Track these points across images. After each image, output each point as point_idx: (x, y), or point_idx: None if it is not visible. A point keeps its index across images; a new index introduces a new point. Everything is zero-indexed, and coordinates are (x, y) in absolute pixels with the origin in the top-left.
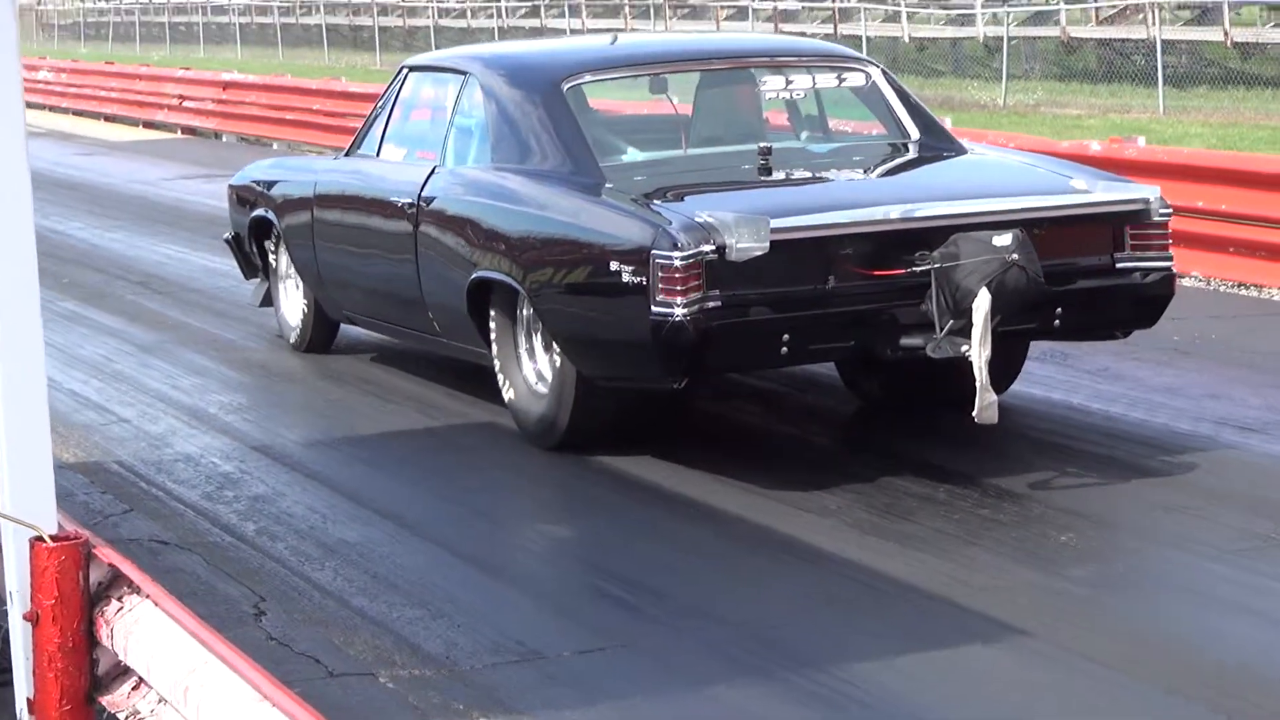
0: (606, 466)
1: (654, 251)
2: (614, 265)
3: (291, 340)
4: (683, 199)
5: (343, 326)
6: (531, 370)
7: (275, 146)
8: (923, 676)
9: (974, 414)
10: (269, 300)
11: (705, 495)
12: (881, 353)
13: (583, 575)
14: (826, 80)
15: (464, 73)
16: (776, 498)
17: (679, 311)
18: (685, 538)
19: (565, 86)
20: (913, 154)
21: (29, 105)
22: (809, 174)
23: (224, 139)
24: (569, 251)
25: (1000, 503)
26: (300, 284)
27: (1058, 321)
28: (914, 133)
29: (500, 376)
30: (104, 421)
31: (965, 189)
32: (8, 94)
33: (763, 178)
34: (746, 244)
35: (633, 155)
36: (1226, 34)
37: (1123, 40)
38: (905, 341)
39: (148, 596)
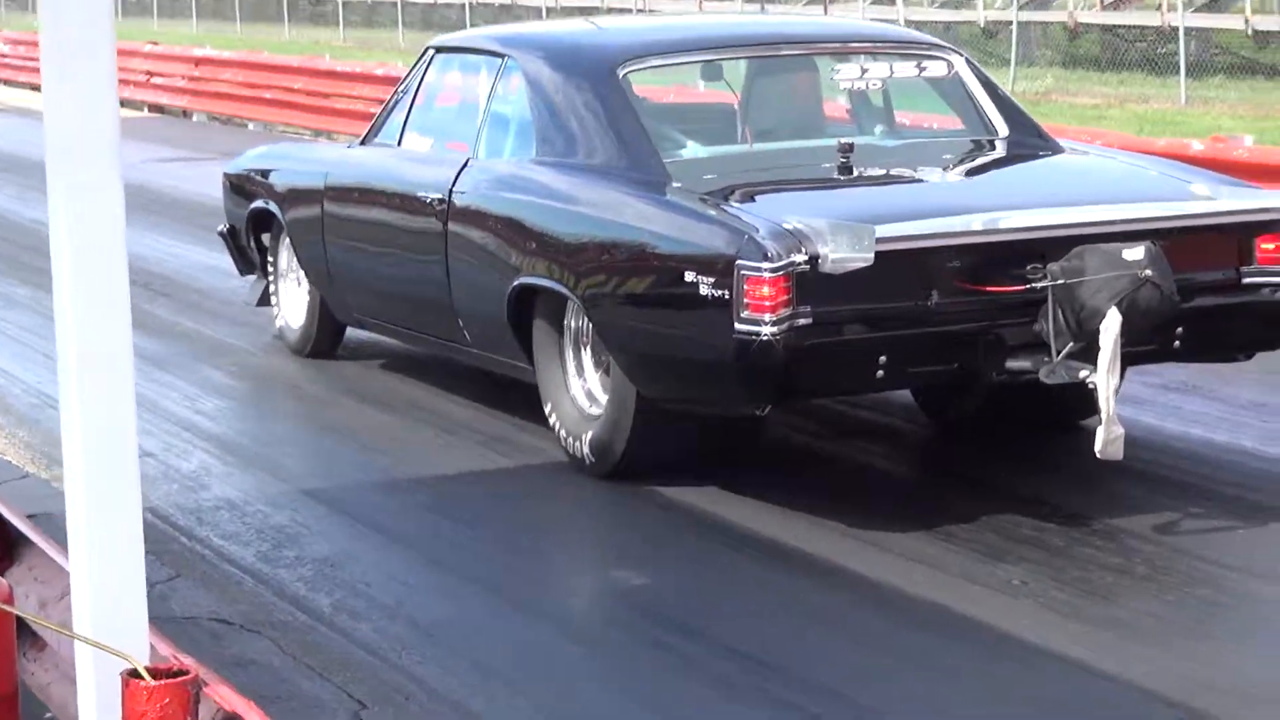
0: (673, 502)
1: (740, 262)
2: (689, 275)
3: (292, 342)
4: (762, 202)
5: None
6: (580, 389)
7: (251, 127)
8: None
9: (1097, 449)
10: (267, 299)
11: (795, 538)
12: (986, 376)
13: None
14: (905, 69)
15: (502, 55)
16: (871, 540)
17: (767, 330)
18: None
19: (622, 73)
20: (1003, 152)
21: None
22: (895, 174)
23: (194, 118)
24: (633, 258)
25: (1137, 548)
26: (304, 282)
27: (1178, 343)
28: (1001, 128)
29: (543, 395)
30: None
31: (1081, 195)
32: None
33: (843, 177)
34: (847, 255)
35: (694, 150)
36: (1248, 21)
37: (1129, 27)
38: (1013, 364)
39: None
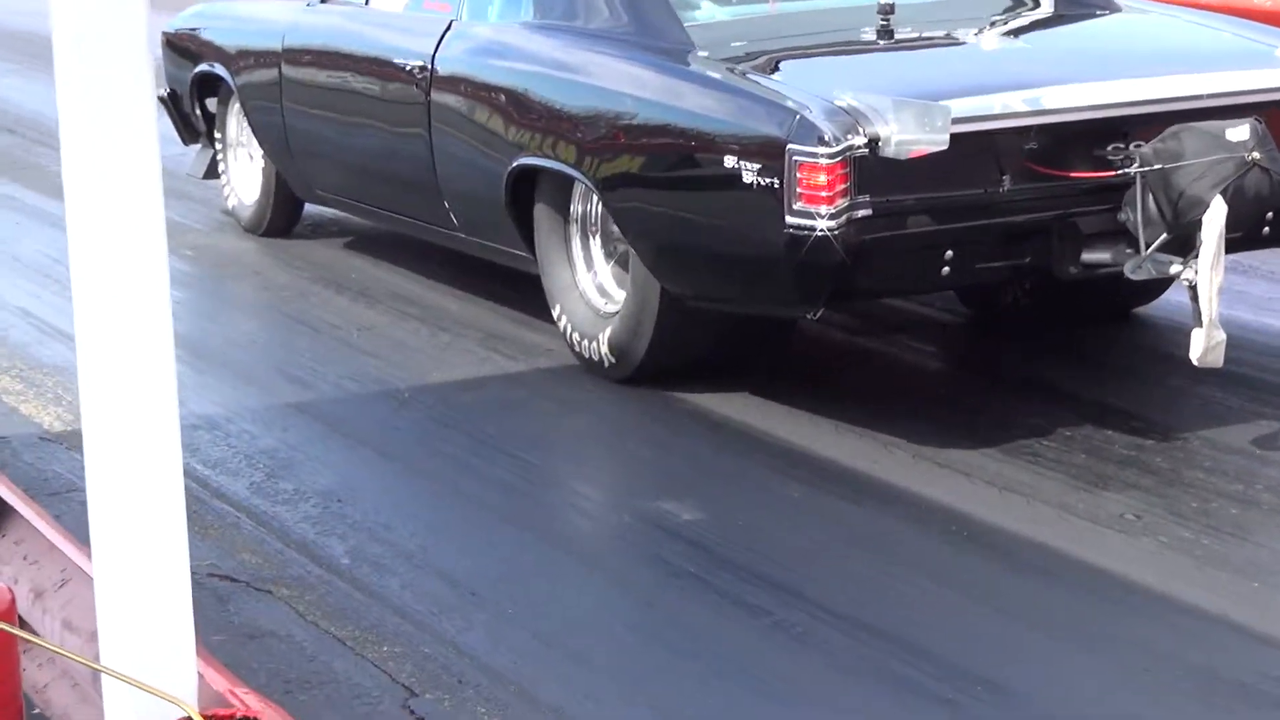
0: (703, 411)
1: (791, 145)
2: (730, 161)
3: (245, 220)
4: (806, 74)
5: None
6: (591, 283)
7: None
8: None
9: (1195, 355)
10: (215, 171)
11: (845, 455)
12: (1061, 272)
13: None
14: None
15: None
16: (938, 460)
17: (823, 223)
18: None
19: None
20: (1053, 10)
21: None
22: (944, 39)
23: None
24: (660, 138)
25: (1255, 471)
26: (258, 155)
27: (1268, 228)
28: None
29: (548, 291)
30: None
31: (1163, 63)
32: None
33: (885, 42)
34: (917, 137)
35: (712, 11)
36: None
37: None
38: (1090, 257)
39: None
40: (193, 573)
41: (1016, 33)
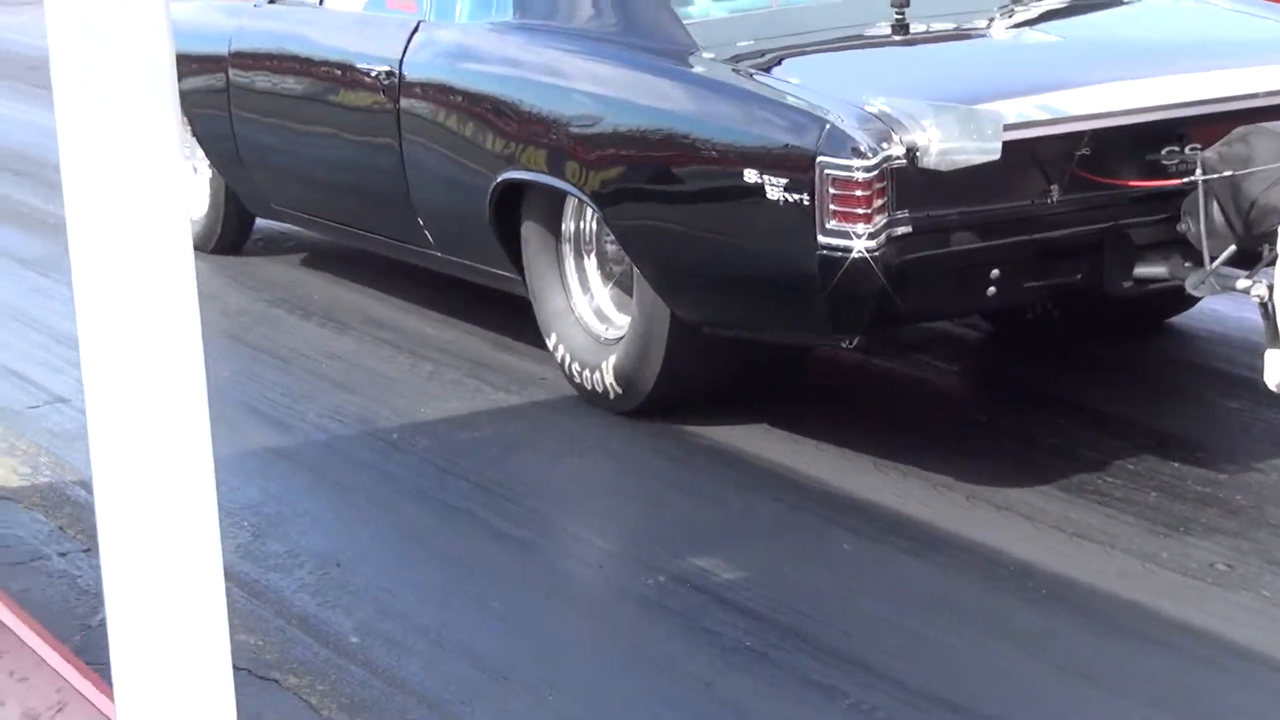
0: (721, 447)
1: (822, 158)
2: (750, 174)
3: (192, 237)
4: (826, 76)
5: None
6: (588, 308)
7: None
8: None
9: (1271, 381)
10: None
11: (887, 497)
12: (1113, 288)
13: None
14: None
15: None
16: (992, 499)
17: (860, 243)
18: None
19: None
20: None
21: None
22: (965, 33)
23: None
24: (668, 150)
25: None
26: (204, 166)
27: None
28: None
29: (541, 319)
30: (33, 402)
31: (1214, 54)
32: None
33: (902, 38)
34: (964, 147)
35: (707, 7)
36: None
37: None
38: (1144, 271)
39: None
40: None
41: (1043, 25)
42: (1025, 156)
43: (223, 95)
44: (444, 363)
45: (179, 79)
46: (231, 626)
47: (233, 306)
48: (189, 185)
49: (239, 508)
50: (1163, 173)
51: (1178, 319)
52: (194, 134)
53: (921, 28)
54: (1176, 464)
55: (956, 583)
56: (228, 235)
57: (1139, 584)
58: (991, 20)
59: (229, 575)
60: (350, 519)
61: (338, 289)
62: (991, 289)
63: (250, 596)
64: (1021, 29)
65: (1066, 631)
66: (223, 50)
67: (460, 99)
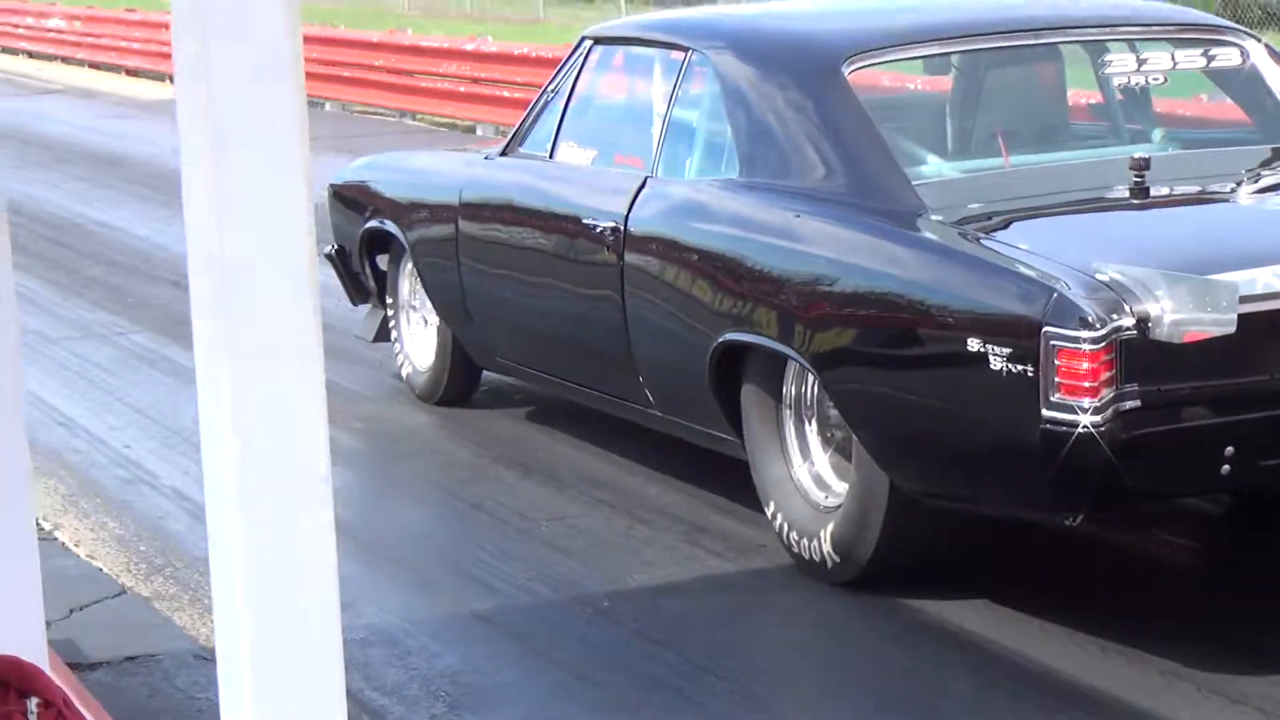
0: (946, 627)
1: (1049, 328)
2: (973, 343)
3: (418, 388)
4: (1056, 242)
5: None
6: (807, 475)
7: (328, 107)
8: None
9: None
10: (384, 334)
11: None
12: None
13: None
14: (1190, 57)
15: (687, 49)
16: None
17: (1087, 417)
18: None
19: (848, 70)
20: None
21: (36, 55)
22: (1205, 197)
23: None
24: (888, 314)
25: None
26: (432, 317)
27: None
28: None
29: (760, 486)
30: None
31: None
32: None
33: (1140, 202)
34: (1198, 318)
35: (941, 167)
36: None
37: None
38: None
39: None
40: None
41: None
42: (1264, 328)
43: (451, 245)
44: (660, 526)
45: (413, 228)
46: None
47: (453, 460)
48: (418, 336)
49: (437, 675)
50: None
51: None
52: (423, 285)
53: (1162, 191)
54: None
55: None
56: (454, 386)
57: None
58: (1237, 184)
59: None
60: (551, 692)
61: (562, 446)
62: (1226, 467)
63: None
64: (1266, 194)
65: None
66: (454, 200)
67: (683, 256)
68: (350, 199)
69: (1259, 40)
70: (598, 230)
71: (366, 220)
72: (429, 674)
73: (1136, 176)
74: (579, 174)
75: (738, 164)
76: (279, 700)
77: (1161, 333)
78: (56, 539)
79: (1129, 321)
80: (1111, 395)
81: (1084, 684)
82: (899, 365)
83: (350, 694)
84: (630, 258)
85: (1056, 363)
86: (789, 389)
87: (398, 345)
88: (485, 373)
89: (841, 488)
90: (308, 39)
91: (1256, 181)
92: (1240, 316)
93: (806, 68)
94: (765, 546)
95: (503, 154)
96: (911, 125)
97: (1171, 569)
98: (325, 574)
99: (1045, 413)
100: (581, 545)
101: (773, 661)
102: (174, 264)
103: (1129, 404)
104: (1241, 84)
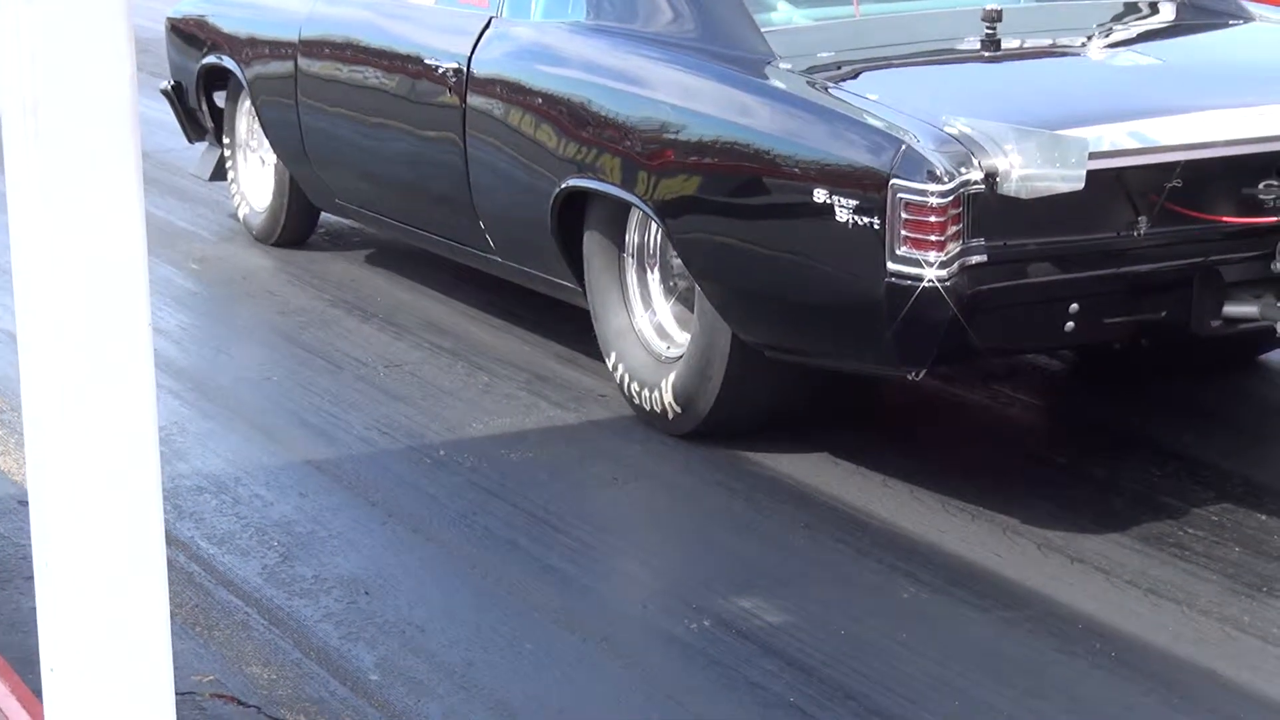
0: (785, 481)
1: (895, 180)
2: (820, 193)
3: (254, 229)
4: (907, 93)
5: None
6: (649, 325)
7: None
8: None
9: None
10: (221, 173)
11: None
12: (1200, 327)
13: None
14: None
15: None
16: (1100, 561)
17: (932, 271)
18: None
19: None
20: (1177, 18)
21: None
22: (1058, 51)
23: None
24: (734, 163)
25: None
26: (270, 157)
27: None
28: None
29: (600, 334)
30: None
31: None
32: None
33: (992, 55)
34: (1047, 174)
35: (791, 15)
36: None
37: None
38: (1233, 310)
39: None
40: (192, 692)
41: (1141, 46)
42: (1112, 186)
43: (290, 82)
44: (500, 374)
45: (251, 64)
46: (246, 658)
47: (291, 305)
48: (255, 176)
49: (270, 525)
50: (1259, 208)
51: (1275, 355)
52: (261, 124)
53: (1013, 44)
54: (1265, 517)
55: (1021, 641)
56: (291, 229)
57: (1217, 649)
58: (1088, 39)
59: (251, 600)
60: (385, 544)
61: (401, 291)
62: (1070, 324)
63: (270, 625)
64: (1118, 49)
65: (1137, 703)
66: (294, 36)
67: (527, 100)
68: (188, 33)
69: None
70: (440, 71)
71: (204, 56)
72: (262, 523)
73: (989, 28)
74: (422, 12)
75: (585, 6)
76: (94, 545)
77: (1010, 188)
78: None
79: (977, 176)
80: (958, 250)
81: (925, 540)
82: (744, 215)
83: (180, 542)
84: (473, 100)
85: (903, 216)
86: (632, 237)
87: (234, 185)
88: (324, 214)
89: (683, 338)
90: None
91: (1108, 36)
92: (1089, 174)
93: None
94: (606, 397)
95: None
96: None
97: (1014, 426)
98: (144, 415)
99: (891, 266)
100: (420, 393)
101: (611, 514)
102: None
103: (975, 259)
104: None
